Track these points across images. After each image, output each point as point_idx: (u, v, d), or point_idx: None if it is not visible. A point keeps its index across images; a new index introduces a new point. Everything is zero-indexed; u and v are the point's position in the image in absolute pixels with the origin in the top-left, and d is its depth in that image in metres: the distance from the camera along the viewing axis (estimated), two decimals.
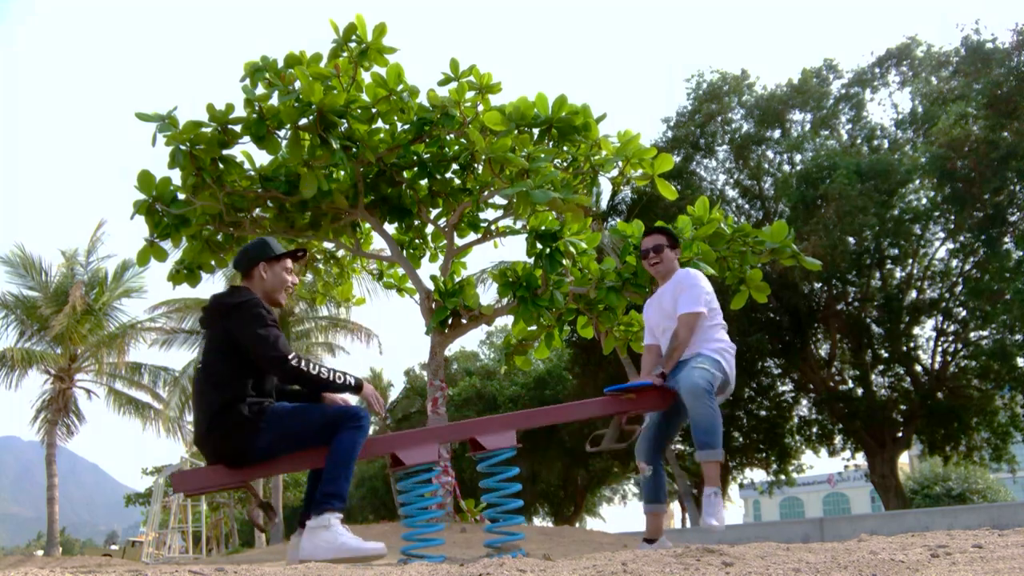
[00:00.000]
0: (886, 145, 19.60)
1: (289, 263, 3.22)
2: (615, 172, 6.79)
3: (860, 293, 18.94)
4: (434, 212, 7.96)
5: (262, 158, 7.24)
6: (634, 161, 6.66)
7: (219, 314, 3.01)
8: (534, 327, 7.54)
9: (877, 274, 18.96)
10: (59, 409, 19.40)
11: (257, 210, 7.49)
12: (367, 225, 8.06)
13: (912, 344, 19.29)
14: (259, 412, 2.87)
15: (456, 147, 7.30)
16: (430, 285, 7.81)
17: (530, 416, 3.55)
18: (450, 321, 7.74)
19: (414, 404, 30.28)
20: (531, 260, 6.80)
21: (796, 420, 20.99)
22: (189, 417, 21.35)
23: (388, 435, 3.19)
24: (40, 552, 25.57)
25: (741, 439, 20.91)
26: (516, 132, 6.66)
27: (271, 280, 3.14)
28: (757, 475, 25.04)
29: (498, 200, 7.58)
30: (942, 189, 16.61)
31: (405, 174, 7.57)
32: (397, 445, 3.13)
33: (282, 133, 6.64)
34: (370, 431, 3.01)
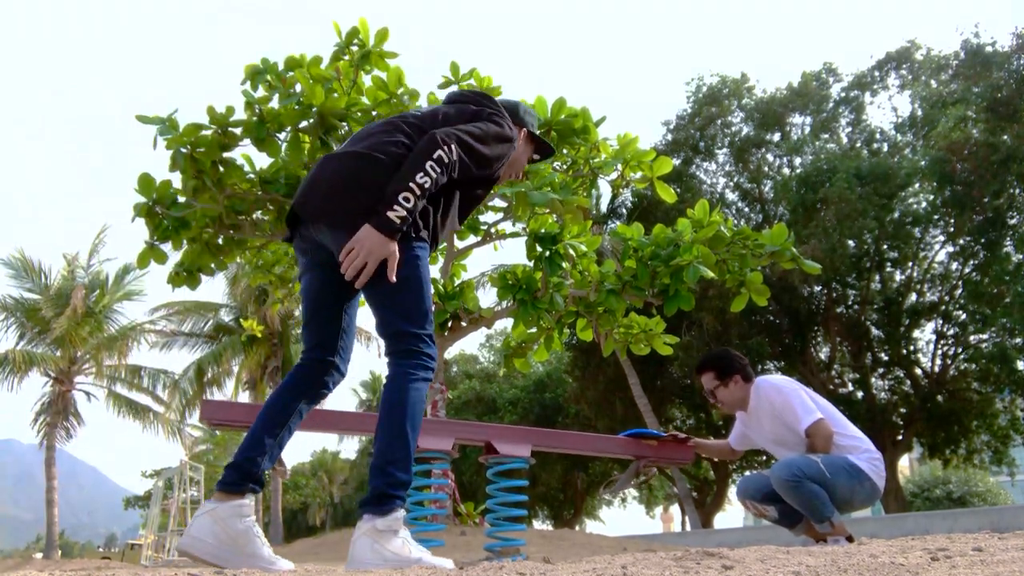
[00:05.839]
0: (886, 148, 19.63)
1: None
2: (614, 175, 6.79)
3: (860, 296, 18.94)
4: None
5: (262, 161, 7.24)
6: (633, 164, 6.66)
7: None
8: (534, 330, 7.54)
9: (877, 277, 18.96)
10: (59, 412, 19.42)
11: (257, 213, 7.49)
12: None
13: (912, 347, 19.29)
14: None
15: None
16: None
17: (549, 436, 3.51)
18: (450, 324, 7.74)
19: None
20: (531, 263, 6.81)
21: None
22: (190, 419, 21.34)
23: None
24: (39, 555, 25.55)
25: None
26: None
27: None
28: None
29: (498, 203, 7.58)
30: (942, 192, 16.62)
31: None
32: None
33: (282, 136, 6.65)
34: None
